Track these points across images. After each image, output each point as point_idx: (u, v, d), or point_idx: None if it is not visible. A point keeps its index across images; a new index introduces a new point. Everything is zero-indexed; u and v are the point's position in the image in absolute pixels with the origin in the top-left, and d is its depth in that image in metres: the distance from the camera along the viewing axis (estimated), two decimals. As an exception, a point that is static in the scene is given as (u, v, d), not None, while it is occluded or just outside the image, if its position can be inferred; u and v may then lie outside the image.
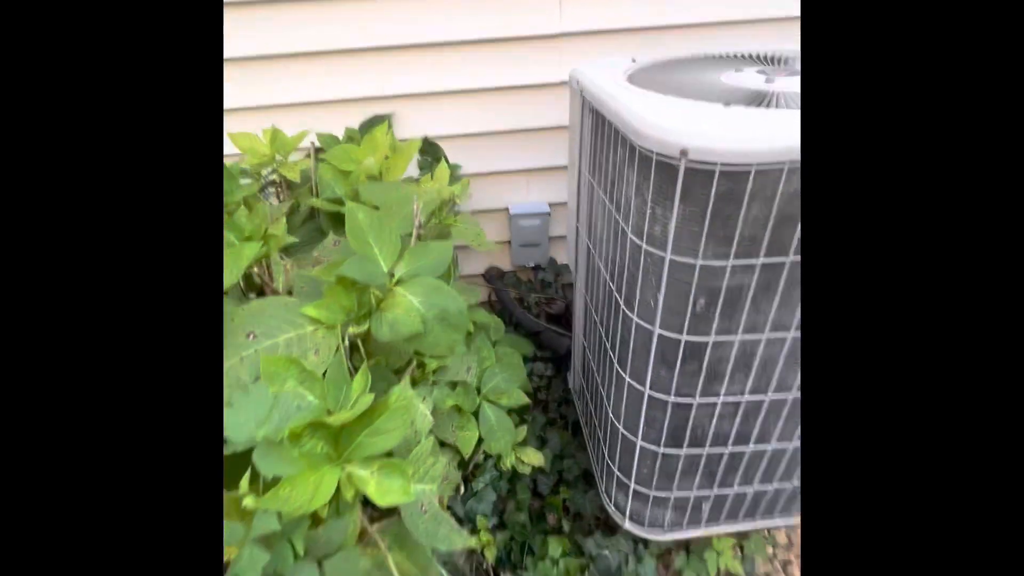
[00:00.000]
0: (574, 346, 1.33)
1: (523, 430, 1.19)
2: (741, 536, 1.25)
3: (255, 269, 0.79)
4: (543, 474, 1.33)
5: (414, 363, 0.69)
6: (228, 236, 0.74)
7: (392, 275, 0.65)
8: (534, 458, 1.19)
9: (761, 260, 0.63)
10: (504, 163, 1.49)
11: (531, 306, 1.68)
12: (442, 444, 0.86)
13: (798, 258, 0.63)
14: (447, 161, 1.38)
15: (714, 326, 0.69)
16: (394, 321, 0.61)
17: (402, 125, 1.39)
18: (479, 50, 1.31)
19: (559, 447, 1.37)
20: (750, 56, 0.95)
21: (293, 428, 0.45)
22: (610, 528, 1.23)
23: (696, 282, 0.65)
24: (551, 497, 1.31)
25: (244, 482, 0.45)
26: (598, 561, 1.16)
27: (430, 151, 1.42)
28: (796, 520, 1.03)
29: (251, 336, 0.57)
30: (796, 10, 1.31)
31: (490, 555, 1.12)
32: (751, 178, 0.56)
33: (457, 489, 1.07)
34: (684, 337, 0.70)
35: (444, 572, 0.64)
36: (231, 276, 0.58)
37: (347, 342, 0.62)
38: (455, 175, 1.41)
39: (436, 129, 1.41)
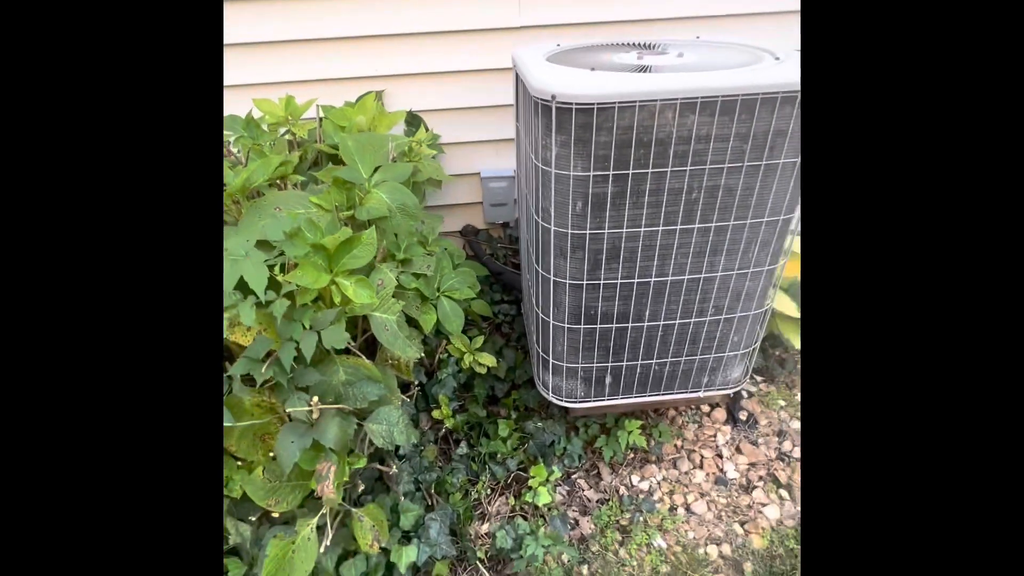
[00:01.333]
0: (522, 277, 1.66)
1: (480, 338, 1.52)
2: (652, 424, 1.57)
3: (275, 186, 1.12)
4: (499, 381, 1.65)
5: (384, 245, 1.01)
6: (256, 158, 1.07)
7: (369, 181, 0.97)
8: (489, 360, 1.51)
9: (611, 172, 0.95)
10: (477, 134, 1.81)
11: (499, 257, 2.00)
12: (411, 323, 1.18)
13: (636, 171, 0.95)
14: (427, 130, 1.70)
15: (588, 222, 1.01)
16: (370, 209, 0.93)
17: (391, 100, 1.72)
18: (455, 39, 1.63)
19: (513, 362, 1.69)
20: (641, 44, 1.27)
21: (296, 231, 0.77)
22: (549, 418, 1.55)
23: (572, 189, 0.97)
24: (505, 399, 1.64)
25: (276, 269, 0.77)
26: (536, 436, 1.49)
27: (414, 122, 1.74)
28: (684, 396, 1.35)
29: (278, 209, 0.89)
30: (699, 10, 1.63)
31: (449, 424, 1.44)
32: (595, 113, 0.89)
33: (429, 377, 1.40)
34: (569, 231, 1.03)
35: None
36: (264, 176, 0.90)
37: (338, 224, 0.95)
38: (435, 142, 1.73)
39: (420, 104, 1.73)
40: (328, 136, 1.27)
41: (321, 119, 1.48)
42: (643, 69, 1.00)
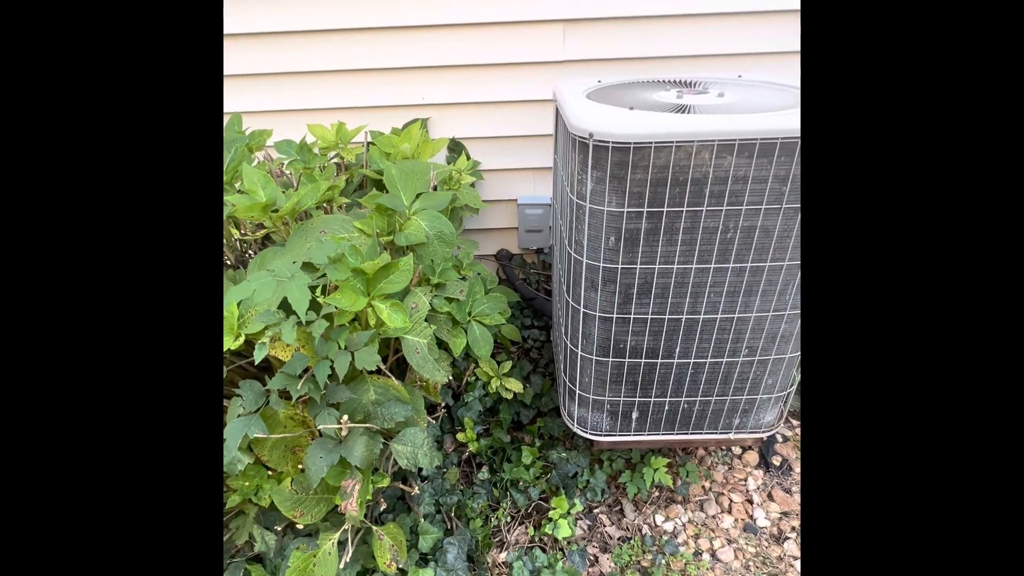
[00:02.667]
0: (553, 304, 1.66)
1: (508, 363, 1.53)
2: (679, 463, 1.53)
3: (321, 209, 1.18)
4: (525, 407, 1.66)
5: (420, 269, 1.05)
6: (306, 182, 1.13)
7: (410, 208, 1.01)
8: (516, 386, 1.52)
9: (646, 209, 0.96)
10: (515, 161, 1.86)
11: (532, 282, 2.02)
12: (441, 346, 1.21)
13: (671, 209, 0.96)
14: (468, 157, 1.76)
15: (620, 257, 1.02)
16: (408, 235, 0.97)
17: (436, 127, 1.79)
18: (500, 71, 1.70)
19: (540, 388, 1.69)
20: (681, 81, 1.28)
21: (339, 256, 0.81)
22: (573, 448, 1.54)
23: (605, 224, 0.99)
24: (530, 426, 1.63)
25: (318, 291, 0.81)
26: (559, 466, 1.47)
27: (456, 149, 1.80)
28: (714, 437, 1.31)
29: (323, 232, 0.94)
30: (741, 47, 1.63)
31: (473, 447, 1.45)
32: (631, 152, 0.90)
33: (456, 399, 1.42)
34: (601, 264, 1.04)
35: (425, 412, 0.98)
36: (312, 200, 0.96)
37: (378, 248, 0.99)
38: (475, 169, 1.79)
39: (462, 131, 1.80)
40: (374, 162, 1.33)
41: (368, 144, 1.55)
42: (682, 108, 1.01)
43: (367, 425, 0.86)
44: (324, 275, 0.82)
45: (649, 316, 1.09)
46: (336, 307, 0.80)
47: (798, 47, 1.63)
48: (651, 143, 0.89)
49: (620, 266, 1.03)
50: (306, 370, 0.85)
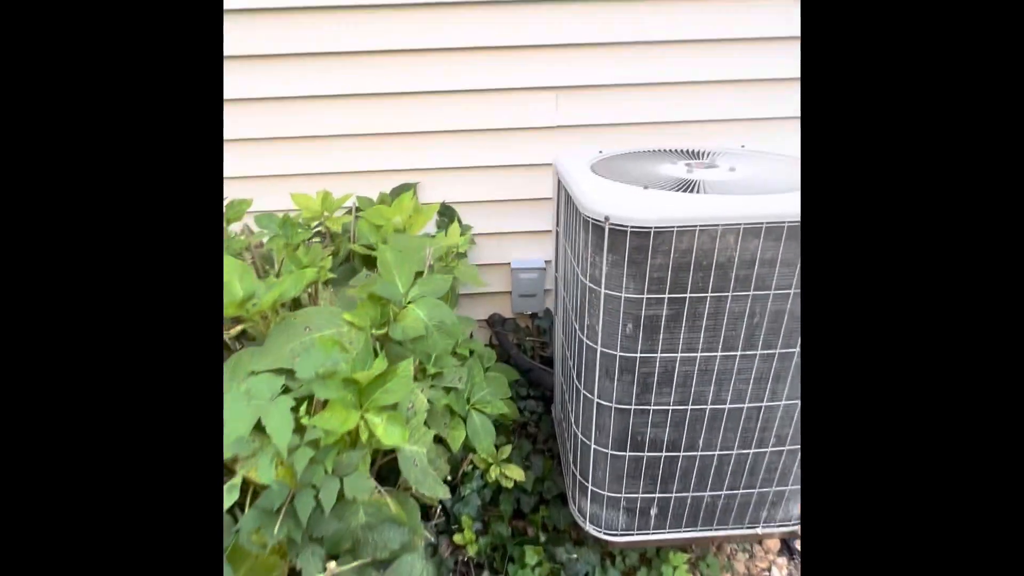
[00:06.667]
0: (555, 379, 1.55)
1: (507, 448, 1.40)
2: (699, 557, 1.39)
3: (306, 292, 1.07)
4: (526, 494, 1.51)
5: (417, 362, 0.93)
6: (290, 265, 1.03)
7: (406, 296, 0.91)
8: (516, 473, 1.38)
9: (667, 295, 0.88)
10: (508, 225, 1.79)
11: (527, 349, 1.91)
12: (438, 440, 1.08)
13: (694, 295, 0.88)
14: (460, 222, 1.68)
15: (639, 345, 0.93)
16: (405, 327, 0.86)
17: (425, 191, 1.72)
18: (492, 136, 1.65)
19: (542, 471, 1.55)
20: (686, 151, 1.24)
21: (329, 372, 0.69)
22: (581, 542, 1.39)
23: (623, 310, 0.90)
24: (532, 515, 1.48)
25: (302, 409, 0.69)
26: (568, 567, 1.32)
27: (447, 213, 1.73)
28: (740, 532, 1.19)
29: (307, 329, 0.83)
30: (742, 113, 1.64)
31: (472, 550, 1.29)
32: (651, 236, 0.83)
33: (453, 492, 1.27)
34: (618, 353, 0.94)
35: (423, 528, 0.85)
36: (296, 291, 0.85)
37: (371, 344, 0.88)
38: (466, 234, 1.71)
39: (453, 196, 1.73)
40: (363, 235, 1.24)
41: (356, 211, 1.46)
42: (692, 185, 0.95)
43: (358, 563, 0.72)
44: (306, 382, 0.70)
45: (671, 407, 0.99)
46: (324, 430, 0.68)
47: (788, 114, 1.65)
48: (673, 227, 0.82)
49: (639, 355, 0.94)
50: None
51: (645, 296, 0.88)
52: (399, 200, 1.29)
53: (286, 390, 0.70)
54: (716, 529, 1.16)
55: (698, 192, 0.91)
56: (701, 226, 0.82)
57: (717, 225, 0.82)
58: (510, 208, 1.77)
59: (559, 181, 1.20)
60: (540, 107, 1.62)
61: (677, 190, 0.93)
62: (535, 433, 1.76)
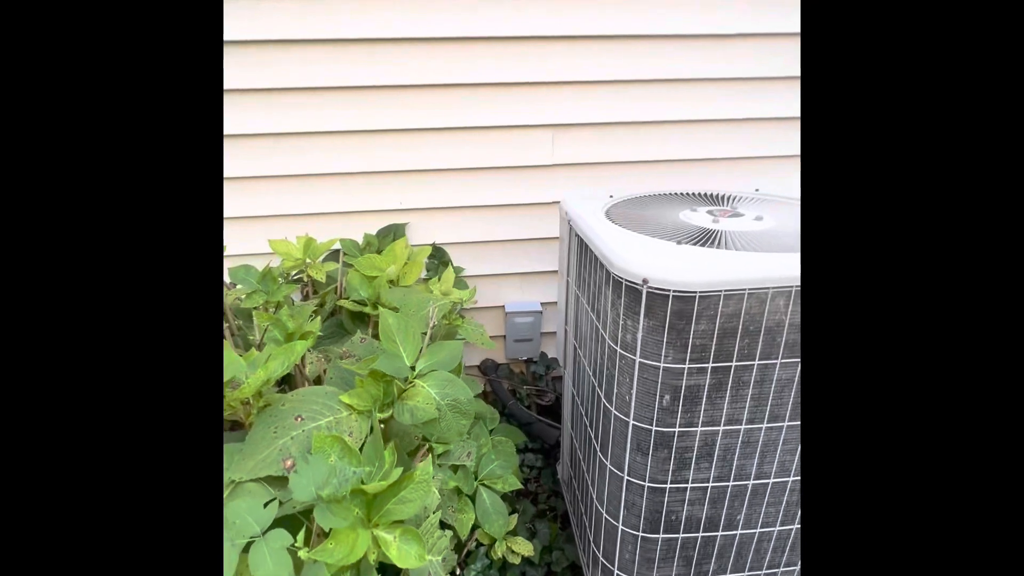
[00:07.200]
0: (563, 437, 1.44)
1: (514, 518, 1.26)
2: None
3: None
4: (531, 566, 1.36)
5: (427, 446, 0.80)
6: (273, 332, 0.89)
7: (413, 369, 0.79)
8: (524, 548, 1.24)
9: (711, 364, 0.78)
10: (502, 267, 1.69)
11: (523, 397, 1.79)
12: (442, 525, 0.94)
13: (740, 363, 0.79)
14: (452, 264, 1.57)
15: (678, 419, 0.82)
16: (414, 408, 0.74)
17: (414, 232, 1.60)
18: (485, 175, 1.56)
19: (548, 539, 1.41)
20: (703, 195, 1.18)
21: (335, 493, 0.56)
22: (597, 623, 1.25)
23: (661, 381, 0.80)
24: (540, 591, 1.33)
25: (300, 538, 0.55)
26: (586, 657, 1.17)
27: (437, 255, 1.61)
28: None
29: (298, 419, 0.69)
30: (741, 151, 1.60)
31: (480, 646, 1.13)
32: (696, 301, 0.74)
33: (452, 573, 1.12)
34: (654, 428, 0.84)
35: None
36: (286, 369, 0.72)
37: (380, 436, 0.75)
38: (458, 277, 1.60)
39: (443, 237, 1.62)
40: (352, 288, 1.11)
41: (343, 263, 1.33)
42: (716, 238, 0.87)
43: None
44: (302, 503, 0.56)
45: (710, 484, 0.89)
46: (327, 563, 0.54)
47: (787, 152, 1.63)
48: (720, 291, 0.73)
49: (677, 429, 0.83)
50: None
51: (687, 366, 0.78)
52: (391, 248, 1.17)
53: (277, 520, 0.56)
54: (751, 610, 1.05)
55: (727, 247, 0.83)
56: (751, 289, 0.74)
57: (767, 288, 0.74)
58: (505, 249, 1.67)
59: (570, 227, 1.11)
60: (537, 145, 1.55)
61: (706, 244, 0.85)
62: (535, 491, 1.63)
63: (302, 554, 0.53)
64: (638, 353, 0.80)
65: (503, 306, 1.76)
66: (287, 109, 1.41)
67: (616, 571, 1.00)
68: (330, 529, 0.54)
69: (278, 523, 0.57)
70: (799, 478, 0.90)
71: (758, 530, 0.94)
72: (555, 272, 1.71)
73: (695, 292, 0.73)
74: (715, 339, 0.77)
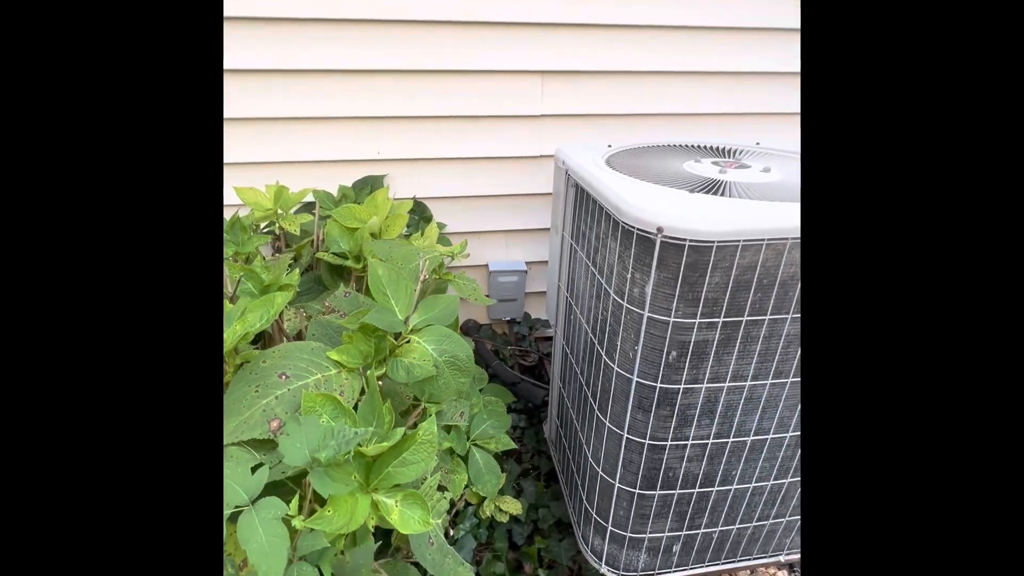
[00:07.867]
0: (551, 396, 1.41)
1: (504, 477, 1.24)
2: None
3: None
4: (518, 523, 1.36)
5: (422, 405, 0.75)
6: (247, 285, 0.80)
7: (407, 324, 0.73)
8: (513, 507, 1.23)
9: (722, 319, 0.75)
10: (486, 224, 1.62)
11: (506, 358, 1.76)
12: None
13: (752, 318, 0.76)
14: (432, 219, 1.49)
15: (683, 375, 0.80)
16: (410, 365, 0.68)
17: (391, 185, 1.50)
18: (469, 124, 1.46)
19: (534, 496, 1.41)
20: (704, 147, 1.13)
21: (334, 456, 0.51)
22: (584, 576, 1.26)
23: (669, 336, 0.77)
24: (526, 547, 1.33)
25: (293, 505, 0.50)
26: (574, 609, 1.19)
27: (418, 210, 1.52)
28: (763, 561, 1.11)
29: (283, 376, 0.62)
30: (733, 107, 1.56)
31: (470, 604, 1.12)
32: (713, 251, 0.69)
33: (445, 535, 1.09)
34: (659, 384, 0.81)
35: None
36: (265, 323, 0.64)
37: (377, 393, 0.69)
38: (441, 234, 1.52)
39: (425, 191, 1.53)
40: (331, 241, 1.02)
41: (319, 215, 1.23)
42: (720, 185, 0.83)
43: None
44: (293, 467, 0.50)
45: (710, 441, 0.87)
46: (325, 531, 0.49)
47: (784, 108, 1.59)
48: (738, 241, 0.69)
49: (682, 386, 0.81)
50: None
51: (698, 321, 0.75)
52: (372, 198, 1.08)
53: (269, 487, 0.49)
54: (740, 560, 1.07)
55: (735, 196, 0.79)
56: (769, 240, 0.70)
57: (786, 239, 0.70)
58: (489, 205, 1.59)
59: (568, 176, 1.04)
60: (524, 93, 1.45)
61: (713, 192, 0.80)
62: (520, 452, 1.62)
63: (296, 523, 0.48)
64: (647, 308, 0.76)
65: (486, 265, 1.69)
66: (251, 44, 1.26)
67: (610, 527, 1.00)
68: (327, 496, 0.49)
69: (266, 491, 0.51)
70: (798, 434, 0.90)
71: (752, 484, 0.95)
72: (541, 230, 1.65)
73: (712, 242, 0.69)
74: (728, 292, 0.73)
